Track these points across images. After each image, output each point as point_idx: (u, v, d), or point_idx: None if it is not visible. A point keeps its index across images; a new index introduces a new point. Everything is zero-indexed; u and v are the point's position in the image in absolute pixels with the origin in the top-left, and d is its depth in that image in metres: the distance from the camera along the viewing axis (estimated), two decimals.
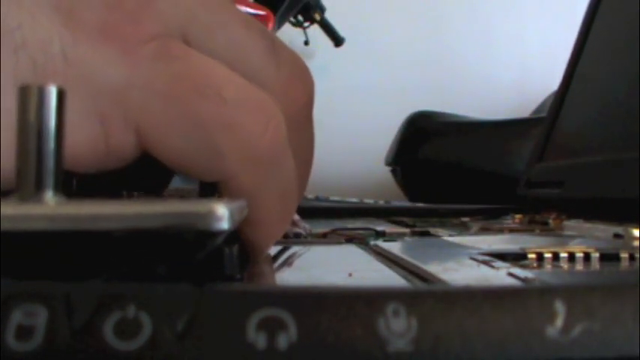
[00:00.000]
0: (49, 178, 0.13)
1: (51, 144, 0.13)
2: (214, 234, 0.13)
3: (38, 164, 0.13)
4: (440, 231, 0.32)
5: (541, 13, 1.24)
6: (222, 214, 0.12)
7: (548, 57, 1.15)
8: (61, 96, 0.13)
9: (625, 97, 0.36)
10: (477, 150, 0.77)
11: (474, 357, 0.10)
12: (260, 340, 0.10)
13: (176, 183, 0.28)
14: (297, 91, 0.20)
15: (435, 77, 1.22)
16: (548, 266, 0.20)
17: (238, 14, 0.20)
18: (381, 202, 0.59)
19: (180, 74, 0.17)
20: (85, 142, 0.17)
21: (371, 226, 0.32)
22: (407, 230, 0.32)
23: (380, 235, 0.29)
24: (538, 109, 0.93)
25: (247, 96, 0.18)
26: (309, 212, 0.42)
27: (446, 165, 0.78)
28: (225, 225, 0.12)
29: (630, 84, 0.35)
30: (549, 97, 0.74)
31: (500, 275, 0.17)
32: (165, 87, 0.17)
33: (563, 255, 0.20)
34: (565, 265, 0.20)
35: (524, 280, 0.16)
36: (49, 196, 0.13)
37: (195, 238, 0.13)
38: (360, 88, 1.19)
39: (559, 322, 0.10)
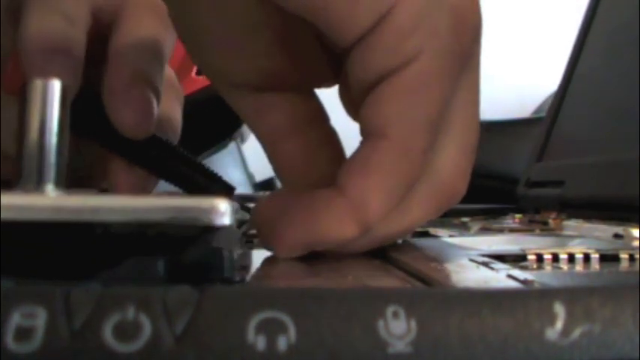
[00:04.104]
0: (51, 172, 0.13)
1: (53, 139, 0.13)
2: (214, 230, 0.13)
3: (40, 158, 0.13)
4: (440, 231, 0.32)
5: (541, 12, 1.24)
6: (224, 210, 0.13)
7: (548, 57, 1.15)
8: (65, 91, 0.14)
9: (625, 97, 0.36)
10: (477, 150, 0.76)
11: (474, 359, 0.10)
12: (259, 342, 0.10)
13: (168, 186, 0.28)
14: None
15: None
16: (547, 267, 0.20)
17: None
18: None
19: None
20: None
21: None
22: None
23: None
24: (538, 109, 0.93)
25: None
26: None
27: None
28: (226, 220, 0.13)
29: (630, 84, 0.35)
30: (549, 97, 0.74)
31: (500, 277, 0.17)
32: None
33: (563, 256, 0.20)
34: (565, 266, 0.20)
35: (523, 282, 0.16)
36: (51, 189, 0.13)
37: (195, 234, 0.13)
38: None
39: (559, 324, 0.10)
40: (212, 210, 0.13)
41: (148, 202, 0.13)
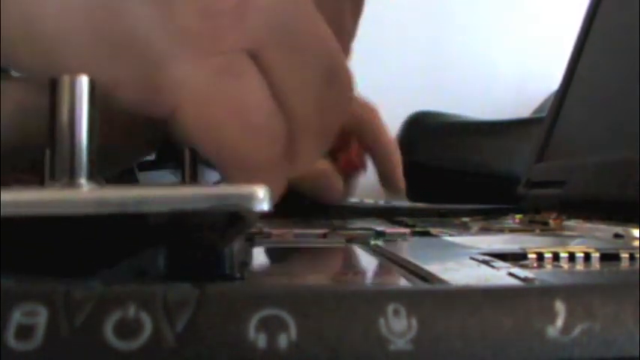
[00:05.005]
0: (83, 167, 0.14)
1: (84, 133, 0.14)
2: (252, 216, 0.13)
3: (72, 153, 0.13)
4: (440, 231, 0.32)
5: (541, 12, 1.24)
6: (263, 196, 0.13)
7: (548, 57, 1.15)
8: (92, 86, 0.14)
9: (625, 97, 0.36)
10: (477, 150, 0.77)
11: (474, 357, 0.10)
12: (260, 340, 0.10)
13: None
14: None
15: (435, 77, 1.22)
16: (548, 266, 0.20)
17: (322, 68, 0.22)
18: (381, 202, 0.59)
19: (227, 91, 0.20)
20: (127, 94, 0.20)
21: (371, 226, 0.32)
22: (407, 230, 0.32)
23: (380, 235, 0.29)
24: (538, 109, 0.93)
25: (268, 144, 0.21)
26: (308, 212, 0.42)
27: (446, 165, 0.78)
28: (265, 206, 0.13)
29: (630, 84, 0.35)
30: (549, 97, 0.74)
31: (501, 275, 0.17)
32: (211, 98, 0.20)
33: (564, 255, 0.20)
34: (565, 265, 0.20)
35: (524, 280, 0.16)
36: (84, 183, 0.13)
37: (234, 220, 0.13)
38: (360, 88, 1.18)
39: (559, 322, 0.10)
40: (251, 196, 0.13)
41: (189, 191, 0.13)
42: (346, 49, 0.27)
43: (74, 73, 0.14)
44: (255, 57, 0.20)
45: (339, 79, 0.22)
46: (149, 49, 0.19)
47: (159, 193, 0.13)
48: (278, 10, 0.20)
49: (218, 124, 0.20)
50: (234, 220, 0.13)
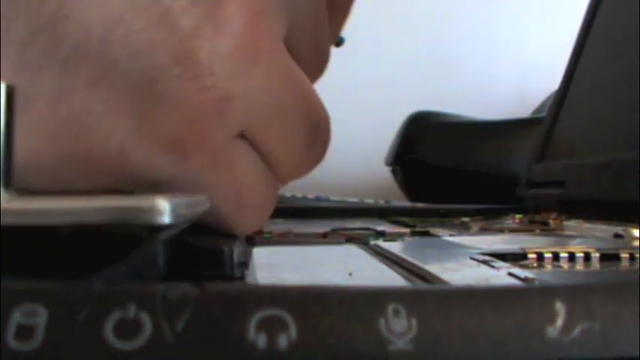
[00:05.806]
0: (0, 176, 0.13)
1: (1, 142, 0.13)
2: (157, 229, 0.13)
3: None
4: (440, 231, 0.32)
5: (541, 13, 1.24)
6: (164, 209, 0.13)
7: (548, 57, 1.15)
8: (10, 93, 0.13)
9: (625, 97, 0.36)
10: (477, 150, 0.77)
11: (474, 357, 0.10)
12: (260, 340, 0.10)
13: None
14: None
15: (435, 77, 1.22)
16: (548, 266, 0.20)
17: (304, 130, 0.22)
18: (381, 202, 0.59)
19: (216, 182, 0.20)
20: None
21: (371, 226, 0.32)
22: (407, 230, 0.32)
23: (380, 235, 0.29)
24: (538, 109, 0.93)
25: (263, 210, 0.21)
26: (309, 212, 0.42)
27: (446, 165, 0.78)
28: (166, 219, 0.12)
29: (630, 84, 0.35)
30: (549, 97, 0.74)
31: (501, 275, 0.17)
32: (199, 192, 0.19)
33: (564, 255, 0.20)
34: (565, 265, 0.20)
35: (524, 280, 0.16)
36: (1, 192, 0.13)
37: (138, 233, 0.13)
38: (360, 88, 1.19)
39: (559, 322, 0.10)
40: (152, 210, 0.12)
41: (89, 203, 0.13)
42: (327, 56, 0.27)
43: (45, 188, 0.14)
44: (242, 134, 0.20)
45: (320, 136, 0.22)
46: (124, 160, 0.18)
47: (61, 205, 0.12)
48: (262, 91, 0.20)
49: (212, 213, 0.19)
50: (141, 232, 0.13)
